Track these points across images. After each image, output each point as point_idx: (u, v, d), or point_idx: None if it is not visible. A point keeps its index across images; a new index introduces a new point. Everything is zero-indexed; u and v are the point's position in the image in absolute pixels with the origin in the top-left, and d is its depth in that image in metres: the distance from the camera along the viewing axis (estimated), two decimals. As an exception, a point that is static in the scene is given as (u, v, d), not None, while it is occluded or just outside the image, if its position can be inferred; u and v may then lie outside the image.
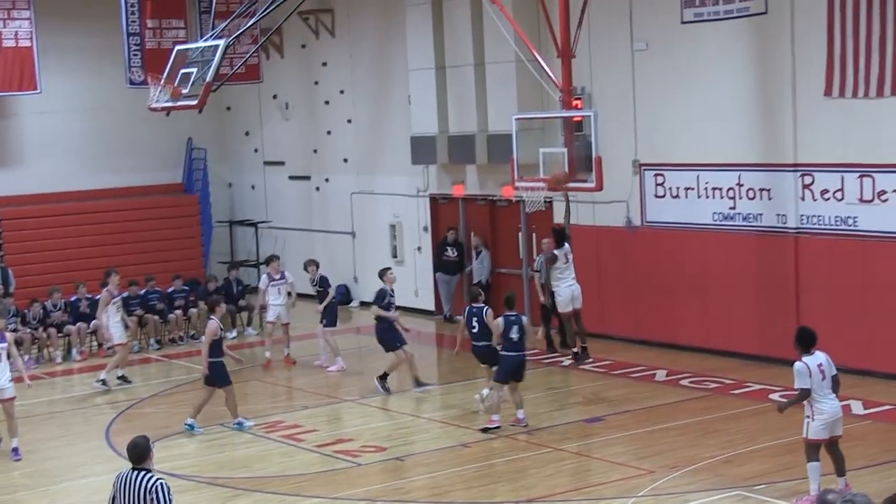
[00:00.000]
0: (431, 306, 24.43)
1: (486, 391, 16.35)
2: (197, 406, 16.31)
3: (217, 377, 16.33)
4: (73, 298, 22.54)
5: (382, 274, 18.65)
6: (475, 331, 16.28)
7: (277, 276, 21.12)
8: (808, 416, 12.10)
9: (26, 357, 21.62)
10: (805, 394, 11.98)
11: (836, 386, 12.22)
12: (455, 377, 18.92)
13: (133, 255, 25.74)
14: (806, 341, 12.22)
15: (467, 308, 16.70)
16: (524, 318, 16.00)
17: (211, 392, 16.31)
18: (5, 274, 23.54)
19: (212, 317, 16.54)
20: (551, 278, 18.95)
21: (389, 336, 18.21)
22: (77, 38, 26.54)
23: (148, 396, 18.78)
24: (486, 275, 23.21)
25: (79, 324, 22.23)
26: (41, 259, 25.24)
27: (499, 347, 15.90)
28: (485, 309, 16.26)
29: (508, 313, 15.83)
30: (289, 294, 21.19)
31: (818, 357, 12.17)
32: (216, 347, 16.34)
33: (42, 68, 24.74)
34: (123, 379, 19.48)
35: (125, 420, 17.41)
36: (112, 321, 19.34)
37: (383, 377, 18.05)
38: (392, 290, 18.28)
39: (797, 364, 12.06)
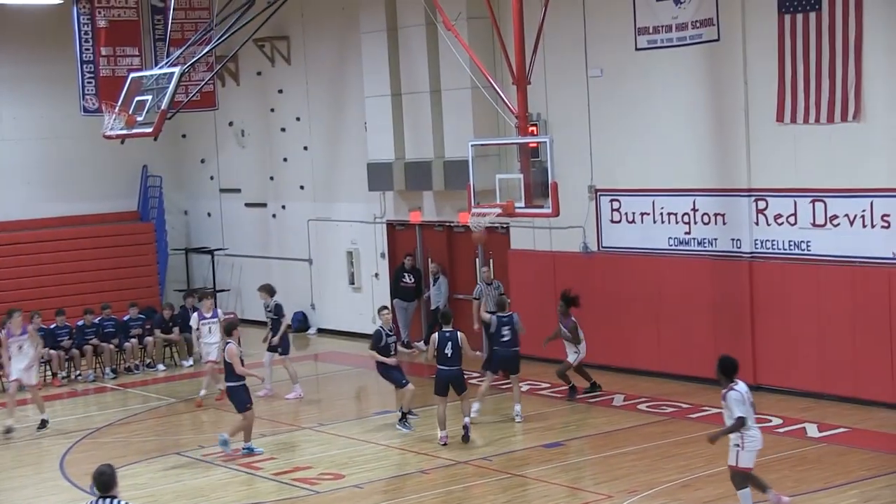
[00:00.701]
0: (389, 333, 24.38)
1: (517, 406, 17.31)
2: (244, 429, 16.27)
3: (237, 401, 16.24)
4: (25, 328, 22.25)
5: (379, 313, 18.11)
6: (506, 339, 17.49)
7: (209, 315, 20.12)
8: (737, 445, 12.06)
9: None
10: (741, 422, 11.92)
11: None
12: (413, 403, 18.86)
13: (89, 284, 25.58)
14: (730, 369, 12.16)
15: (495, 317, 17.79)
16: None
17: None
18: None
19: (230, 340, 16.47)
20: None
21: (394, 374, 17.46)
22: (31, 65, 26.41)
23: (104, 426, 18.61)
24: (443, 300, 23.23)
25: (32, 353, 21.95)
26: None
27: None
28: (515, 315, 17.67)
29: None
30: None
31: (743, 385, 12.18)
32: (233, 370, 16.23)
33: (-5, 96, 24.60)
34: (43, 424, 18.49)
35: (80, 450, 17.24)
36: (15, 360, 18.55)
37: (403, 417, 17.33)
38: (390, 330, 17.47)
39: (732, 393, 12.01)
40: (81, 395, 21.35)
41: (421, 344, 23.59)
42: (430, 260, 23.55)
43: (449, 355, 16.27)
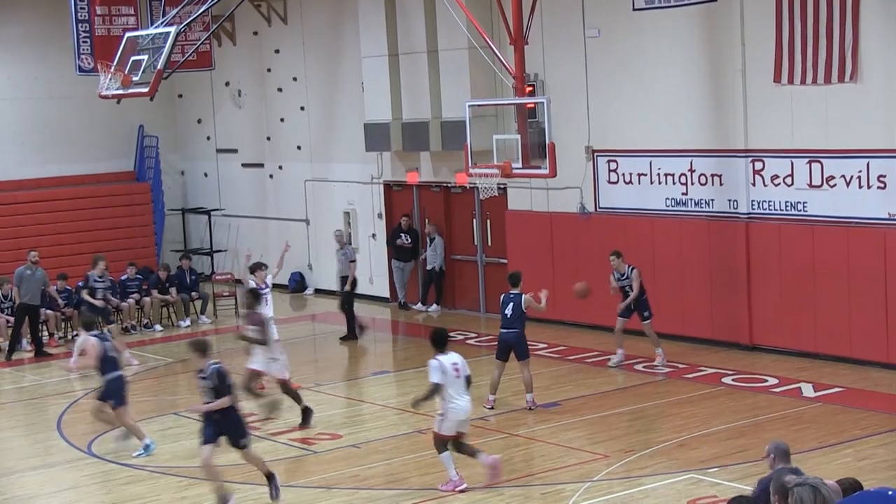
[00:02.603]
0: (386, 293, 24.44)
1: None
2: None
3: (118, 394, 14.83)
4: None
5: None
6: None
7: (263, 286, 18.02)
8: (440, 413, 12.58)
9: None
10: (436, 388, 12.46)
11: (467, 386, 12.70)
12: (410, 364, 18.94)
13: (86, 244, 25.58)
14: (439, 341, 12.71)
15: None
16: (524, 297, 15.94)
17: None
18: None
19: (90, 335, 15.04)
20: None
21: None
22: (25, 25, 26.29)
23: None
24: (439, 262, 23.26)
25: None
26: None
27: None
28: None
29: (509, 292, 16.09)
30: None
31: (453, 357, 12.63)
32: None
33: (-10, 56, 24.50)
34: None
35: (77, 411, 17.29)
36: None
37: None
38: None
39: (432, 361, 12.57)
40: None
41: (419, 305, 23.64)
42: (426, 221, 23.55)
43: (508, 316, 15.90)
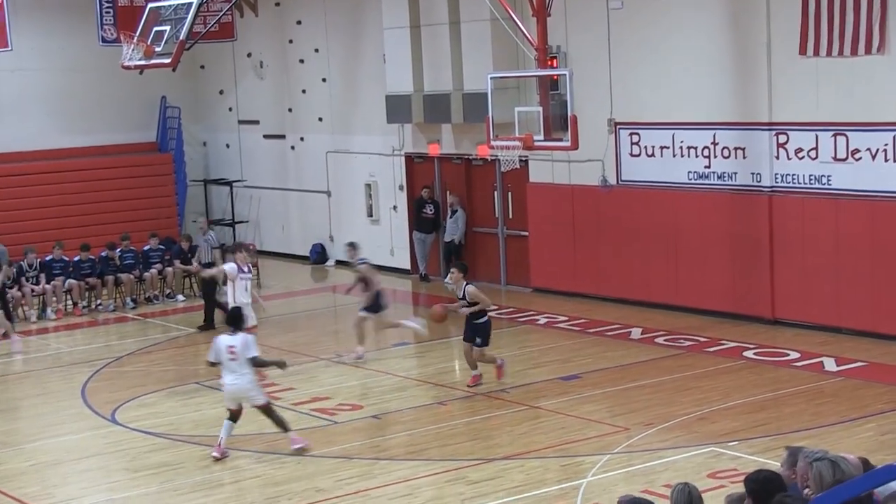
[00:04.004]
0: (407, 265, 24.47)
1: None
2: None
3: None
4: (47, 258, 22.46)
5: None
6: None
7: (245, 269, 17.32)
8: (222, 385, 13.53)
9: None
10: (213, 365, 13.56)
11: (251, 366, 13.35)
12: (430, 336, 18.96)
13: (109, 214, 25.67)
14: (234, 321, 13.57)
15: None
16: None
17: None
18: None
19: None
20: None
21: None
22: (49, -6, 26.32)
23: (124, 355, 18.75)
24: (459, 234, 23.25)
25: (53, 283, 22.18)
26: (14, 218, 25.10)
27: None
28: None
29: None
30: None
31: (232, 339, 13.26)
32: None
33: (13, 26, 24.50)
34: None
35: (101, 378, 17.42)
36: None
37: None
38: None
39: (217, 337, 13.49)
40: (102, 325, 21.50)
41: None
42: (448, 192, 23.52)
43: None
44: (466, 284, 15.61)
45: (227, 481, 12.62)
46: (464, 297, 15.51)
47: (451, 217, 23.29)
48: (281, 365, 14.04)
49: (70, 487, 12.78)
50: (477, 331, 15.63)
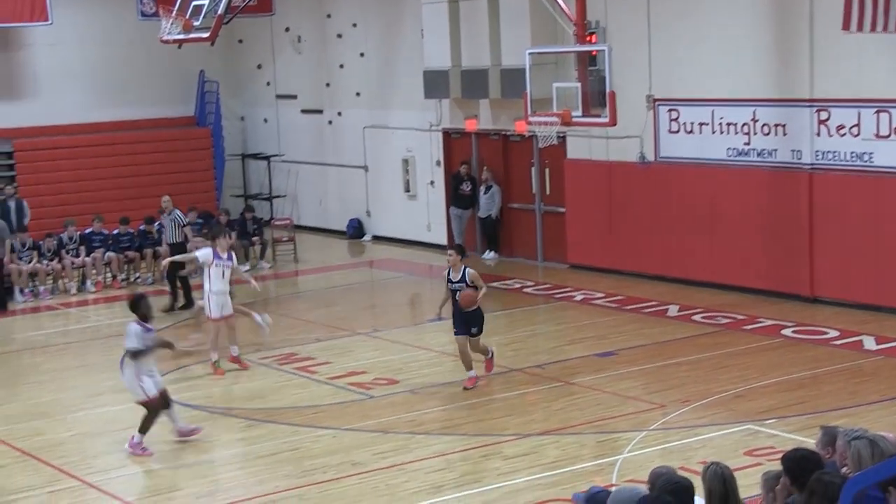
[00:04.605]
0: (444, 241, 24.46)
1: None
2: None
3: None
4: (87, 231, 22.63)
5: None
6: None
7: (224, 255, 16.10)
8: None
9: (41, 288, 21.78)
10: (132, 353, 12.86)
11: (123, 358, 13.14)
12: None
13: (147, 188, 25.76)
14: (135, 307, 13.04)
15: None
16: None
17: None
18: (20, 206, 23.60)
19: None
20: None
21: None
22: (88, -32, 26.41)
23: (163, 328, 18.85)
24: (495, 210, 23.21)
25: (93, 255, 22.35)
26: (54, 191, 25.32)
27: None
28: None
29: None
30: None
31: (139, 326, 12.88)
32: None
33: (53, 0, 24.61)
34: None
35: (140, 351, 17.52)
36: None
37: None
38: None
39: (132, 325, 12.91)
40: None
41: (491, 255, 23.45)
42: (485, 168, 23.47)
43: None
44: (466, 268, 14.77)
45: (263, 454, 12.69)
46: (462, 281, 14.63)
47: (485, 193, 23.25)
48: (167, 345, 13.56)
49: (109, 458, 12.90)
50: (472, 319, 14.65)
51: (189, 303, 20.07)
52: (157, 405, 12.92)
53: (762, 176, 18.80)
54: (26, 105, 26.01)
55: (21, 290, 21.48)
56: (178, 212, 20.82)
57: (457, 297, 14.59)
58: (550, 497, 10.89)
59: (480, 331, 14.78)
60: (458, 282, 14.66)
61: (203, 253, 16.23)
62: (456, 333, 14.77)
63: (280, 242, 24.72)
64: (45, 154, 25.57)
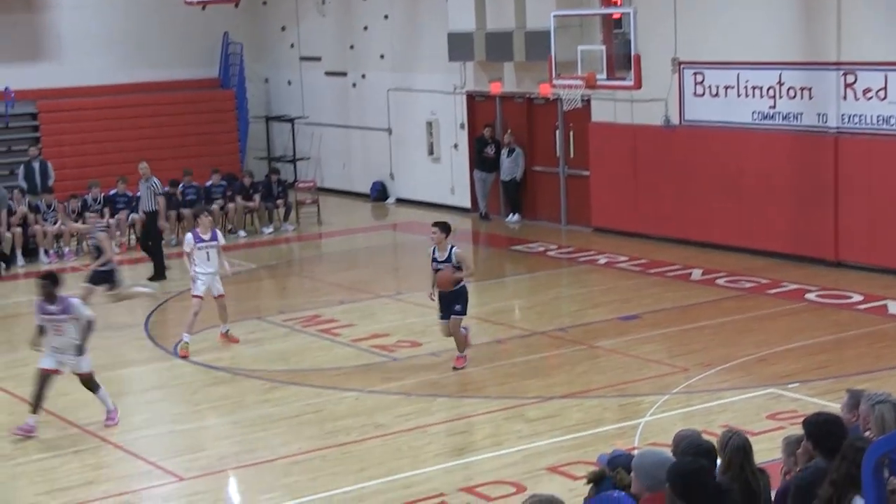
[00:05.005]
0: (468, 204, 24.45)
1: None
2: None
3: None
4: (111, 192, 22.71)
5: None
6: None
7: (207, 236, 15.56)
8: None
9: (66, 249, 21.90)
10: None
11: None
12: (490, 275, 18.99)
13: (170, 150, 25.83)
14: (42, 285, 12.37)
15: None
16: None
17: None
18: (44, 167, 23.69)
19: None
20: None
21: None
22: (112, -71, 26.37)
23: (186, 290, 18.91)
24: (518, 173, 23.18)
25: (117, 217, 22.44)
26: (78, 153, 25.37)
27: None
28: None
29: None
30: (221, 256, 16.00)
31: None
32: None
33: (78, -39, 24.64)
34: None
35: (163, 313, 17.64)
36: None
37: None
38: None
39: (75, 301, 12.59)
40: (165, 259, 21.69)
41: (515, 218, 23.44)
42: (509, 131, 23.39)
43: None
44: (453, 247, 13.94)
45: (286, 415, 12.76)
46: (447, 260, 13.82)
47: (508, 156, 23.20)
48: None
49: (134, 418, 13.00)
50: (457, 298, 13.86)
51: (159, 274, 19.69)
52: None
53: (787, 140, 18.69)
54: (50, 67, 26.04)
55: (46, 252, 21.61)
56: (155, 179, 20.09)
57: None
58: (572, 460, 10.92)
59: (464, 311, 13.91)
60: (443, 261, 13.86)
61: (186, 238, 15.80)
62: (441, 318, 14.02)
63: (304, 205, 24.74)
64: (68, 116, 25.61)
